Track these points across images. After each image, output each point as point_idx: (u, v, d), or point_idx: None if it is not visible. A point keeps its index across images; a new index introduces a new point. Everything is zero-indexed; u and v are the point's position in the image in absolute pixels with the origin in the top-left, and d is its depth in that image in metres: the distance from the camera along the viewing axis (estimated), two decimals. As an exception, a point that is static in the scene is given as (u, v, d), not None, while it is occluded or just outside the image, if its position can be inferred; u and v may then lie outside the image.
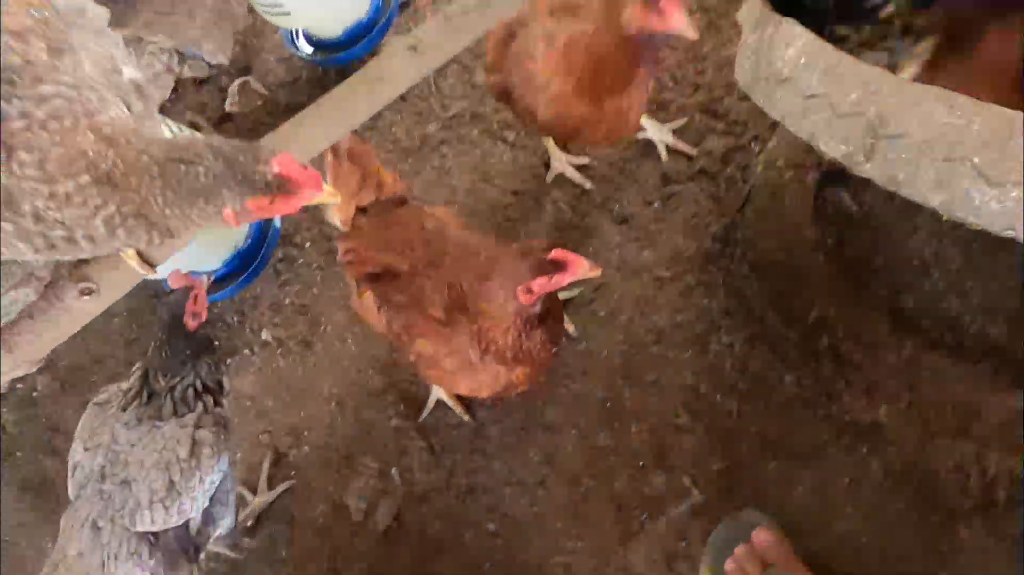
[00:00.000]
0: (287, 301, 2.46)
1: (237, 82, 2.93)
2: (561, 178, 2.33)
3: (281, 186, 1.03)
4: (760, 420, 1.93)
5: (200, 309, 1.74)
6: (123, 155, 1.02)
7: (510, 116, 2.48)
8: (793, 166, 2.07)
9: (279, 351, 2.40)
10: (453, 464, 2.10)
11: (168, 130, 2.16)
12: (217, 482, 1.72)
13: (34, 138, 0.96)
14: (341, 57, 2.67)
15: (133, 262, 1.46)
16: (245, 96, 2.92)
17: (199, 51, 2.94)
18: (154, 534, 1.65)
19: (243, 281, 2.43)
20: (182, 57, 2.96)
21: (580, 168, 2.32)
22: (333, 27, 2.63)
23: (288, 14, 2.44)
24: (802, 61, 1.33)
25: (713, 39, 2.38)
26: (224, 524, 1.83)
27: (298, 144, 1.52)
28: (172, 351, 1.71)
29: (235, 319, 2.49)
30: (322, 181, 1.08)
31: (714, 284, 2.09)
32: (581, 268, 1.41)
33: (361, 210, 1.79)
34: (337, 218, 1.84)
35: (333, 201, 1.14)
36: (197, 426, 1.68)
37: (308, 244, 2.53)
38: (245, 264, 2.43)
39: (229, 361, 2.43)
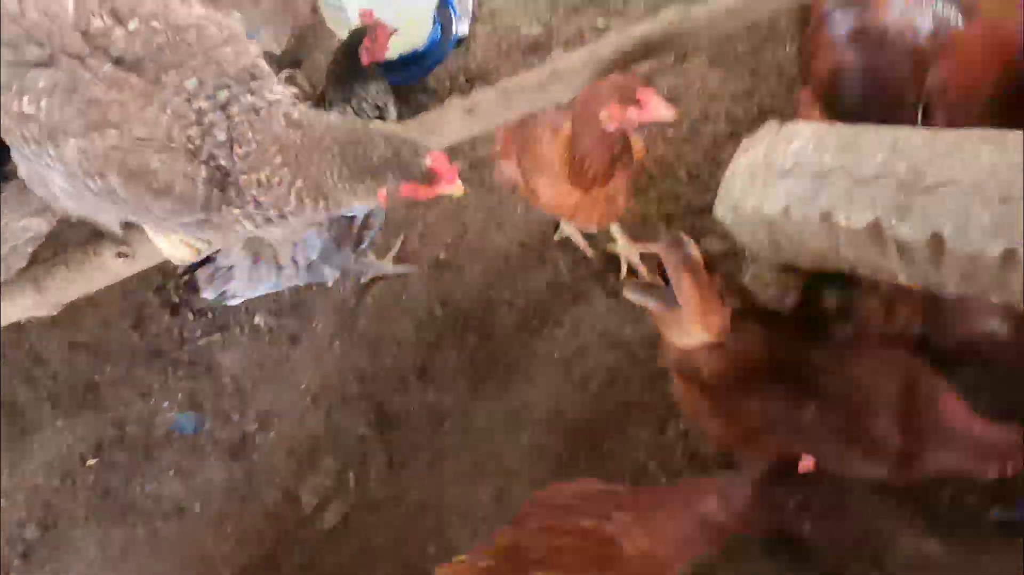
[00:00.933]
0: (286, 293, 2.57)
1: (284, 72, 3.05)
2: (567, 241, 2.49)
3: (429, 176, 1.23)
4: (697, 507, 2.08)
5: (377, 49, 2.20)
6: (308, 135, 1.21)
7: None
8: (776, 285, 2.25)
9: (267, 338, 2.52)
10: (409, 484, 2.23)
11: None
12: None
13: (245, 131, 1.16)
14: (391, 79, 2.81)
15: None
16: (289, 87, 3.05)
17: (256, 35, 3.08)
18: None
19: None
20: (239, 38, 3.11)
21: (586, 236, 2.48)
22: (390, 50, 2.78)
23: (353, 29, 2.58)
24: (810, 147, 1.32)
25: (733, 148, 2.56)
26: (375, 227, 2.28)
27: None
28: (346, 71, 2.17)
29: (233, 297, 2.60)
30: (457, 178, 1.26)
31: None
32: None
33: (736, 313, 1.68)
34: (697, 335, 1.67)
35: (459, 194, 1.30)
36: None
37: (318, 244, 2.66)
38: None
39: (217, 335, 2.54)
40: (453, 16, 2.88)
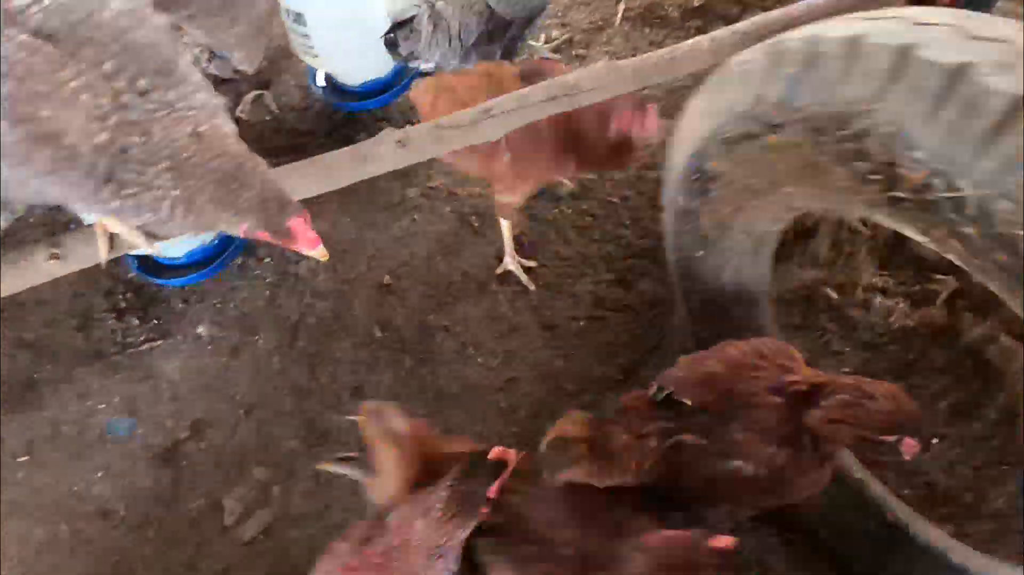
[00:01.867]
0: (232, 305, 2.63)
1: (253, 93, 3.15)
2: (508, 274, 2.57)
3: (287, 234, 1.31)
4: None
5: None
6: (202, 153, 1.27)
7: (481, 203, 2.73)
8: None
9: (209, 348, 2.56)
10: (332, 500, 2.27)
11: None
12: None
13: (152, 125, 1.24)
14: (353, 105, 2.91)
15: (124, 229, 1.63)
16: (257, 108, 3.13)
17: (229, 54, 3.17)
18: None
19: (198, 275, 2.60)
20: (212, 55, 3.19)
21: (527, 270, 2.56)
22: (353, 77, 2.88)
23: (317, 56, 2.68)
24: None
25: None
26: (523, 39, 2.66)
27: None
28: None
29: (179, 305, 2.65)
30: (319, 244, 1.34)
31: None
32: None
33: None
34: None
35: (322, 258, 1.39)
36: None
37: (268, 259, 2.72)
38: (206, 260, 2.61)
39: (160, 342, 2.58)
40: (418, 50, 2.98)
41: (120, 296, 2.68)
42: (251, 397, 2.46)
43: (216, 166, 1.28)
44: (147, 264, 2.59)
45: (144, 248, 1.67)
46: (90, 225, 1.69)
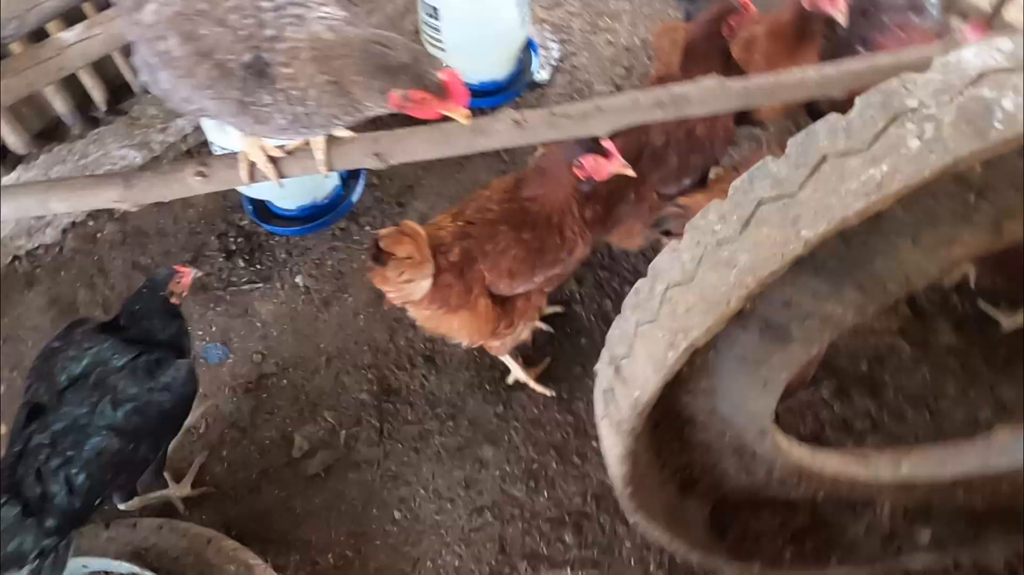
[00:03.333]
0: (329, 262, 2.84)
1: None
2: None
3: (441, 90, 1.36)
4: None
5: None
6: (339, 38, 1.38)
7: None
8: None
9: (303, 297, 2.77)
10: (391, 450, 2.42)
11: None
12: None
13: (287, 31, 1.37)
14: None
15: (261, 160, 1.81)
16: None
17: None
18: None
19: (304, 229, 2.82)
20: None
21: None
22: (473, 75, 3.07)
23: (444, 50, 2.89)
24: None
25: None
26: None
27: (400, 149, 1.92)
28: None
29: (283, 255, 2.87)
30: (467, 103, 1.41)
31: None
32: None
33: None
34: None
35: (467, 123, 1.48)
36: None
37: (368, 227, 2.92)
38: (314, 215, 2.83)
39: (260, 285, 2.80)
40: (534, 58, 3.17)
41: (231, 239, 2.92)
42: (333, 347, 2.65)
43: (357, 42, 1.35)
44: (261, 211, 2.83)
45: (274, 180, 1.86)
46: (234, 153, 1.90)
